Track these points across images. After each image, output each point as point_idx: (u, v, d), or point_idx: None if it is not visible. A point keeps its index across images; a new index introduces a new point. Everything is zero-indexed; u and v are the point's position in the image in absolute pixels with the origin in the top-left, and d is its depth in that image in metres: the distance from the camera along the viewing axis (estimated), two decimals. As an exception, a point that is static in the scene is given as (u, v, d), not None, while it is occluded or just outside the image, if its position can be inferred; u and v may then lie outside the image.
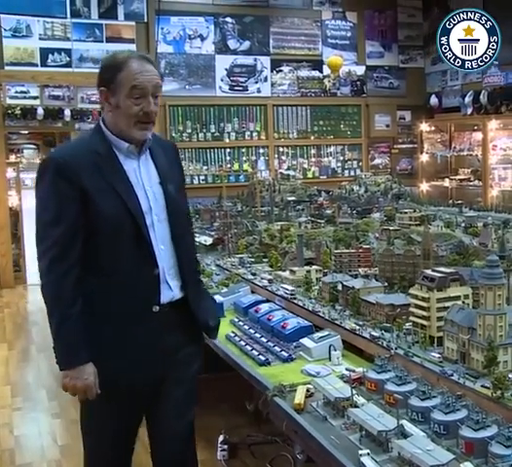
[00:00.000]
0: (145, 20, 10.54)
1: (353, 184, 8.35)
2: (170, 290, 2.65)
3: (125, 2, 10.35)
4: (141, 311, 2.58)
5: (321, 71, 11.64)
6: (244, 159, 11.26)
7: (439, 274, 2.88)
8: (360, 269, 4.09)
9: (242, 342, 3.44)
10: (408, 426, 2.27)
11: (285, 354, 3.25)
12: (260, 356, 3.27)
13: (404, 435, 2.22)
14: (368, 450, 2.18)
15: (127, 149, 2.61)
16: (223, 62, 11.06)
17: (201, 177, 10.92)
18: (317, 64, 11.64)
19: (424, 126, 11.82)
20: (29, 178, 11.36)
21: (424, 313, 2.86)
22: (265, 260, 5.01)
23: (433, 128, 11.84)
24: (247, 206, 7.32)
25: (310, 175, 11.62)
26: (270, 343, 3.42)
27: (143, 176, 2.63)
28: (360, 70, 11.91)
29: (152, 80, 2.55)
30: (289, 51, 11.49)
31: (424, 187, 11.49)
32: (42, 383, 5.88)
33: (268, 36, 11.34)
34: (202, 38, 10.99)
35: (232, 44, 11.16)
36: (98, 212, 2.48)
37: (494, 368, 2.42)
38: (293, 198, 7.81)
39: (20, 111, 9.91)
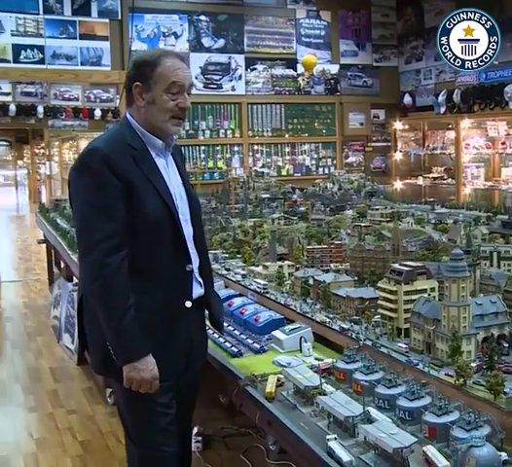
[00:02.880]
0: (119, 18, 10.58)
1: (327, 182, 8.43)
2: (200, 286, 2.76)
3: (98, -1, 10.34)
4: (176, 307, 2.63)
5: (295, 69, 11.74)
6: (219, 156, 11.32)
7: (406, 268, 2.96)
8: (332, 265, 4.17)
9: (216, 335, 3.50)
10: (374, 412, 2.36)
11: (257, 346, 3.32)
12: (232, 348, 3.32)
13: (370, 421, 2.30)
14: (335, 435, 2.26)
15: (160, 146, 2.64)
16: (197, 60, 11.11)
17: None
18: (291, 63, 11.73)
19: (398, 125, 11.94)
20: (1, 175, 11.27)
21: (392, 306, 2.93)
22: (238, 255, 5.06)
23: (407, 127, 11.97)
24: (222, 203, 7.36)
25: (284, 173, 11.71)
26: (242, 336, 3.49)
27: (171, 175, 2.68)
28: (334, 69, 12.03)
29: (189, 77, 2.63)
30: (263, 49, 11.57)
31: (398, 185, 11.59)
32: (16, 378, 5.89)
33: (242, 34, 11.40)
34: (177, 36, 11.03)
35: (206, 42, 11.20)
36: (142, 208, 2.49)
37: (458, 357, 2.50)
38: (267, 196, 7.86)
39: (-8, 107, 9.88)
